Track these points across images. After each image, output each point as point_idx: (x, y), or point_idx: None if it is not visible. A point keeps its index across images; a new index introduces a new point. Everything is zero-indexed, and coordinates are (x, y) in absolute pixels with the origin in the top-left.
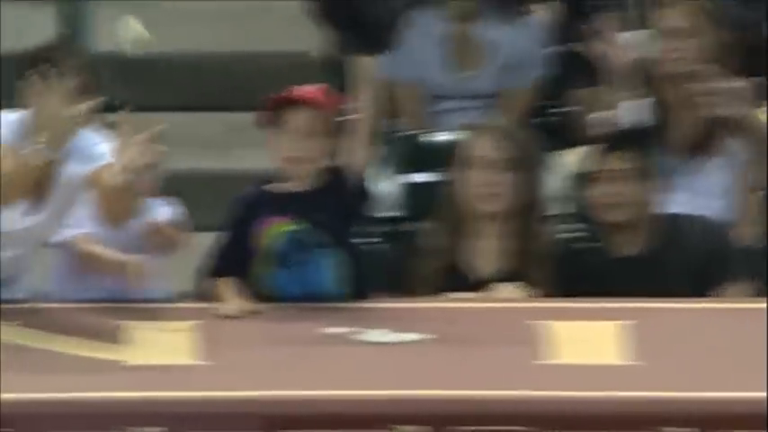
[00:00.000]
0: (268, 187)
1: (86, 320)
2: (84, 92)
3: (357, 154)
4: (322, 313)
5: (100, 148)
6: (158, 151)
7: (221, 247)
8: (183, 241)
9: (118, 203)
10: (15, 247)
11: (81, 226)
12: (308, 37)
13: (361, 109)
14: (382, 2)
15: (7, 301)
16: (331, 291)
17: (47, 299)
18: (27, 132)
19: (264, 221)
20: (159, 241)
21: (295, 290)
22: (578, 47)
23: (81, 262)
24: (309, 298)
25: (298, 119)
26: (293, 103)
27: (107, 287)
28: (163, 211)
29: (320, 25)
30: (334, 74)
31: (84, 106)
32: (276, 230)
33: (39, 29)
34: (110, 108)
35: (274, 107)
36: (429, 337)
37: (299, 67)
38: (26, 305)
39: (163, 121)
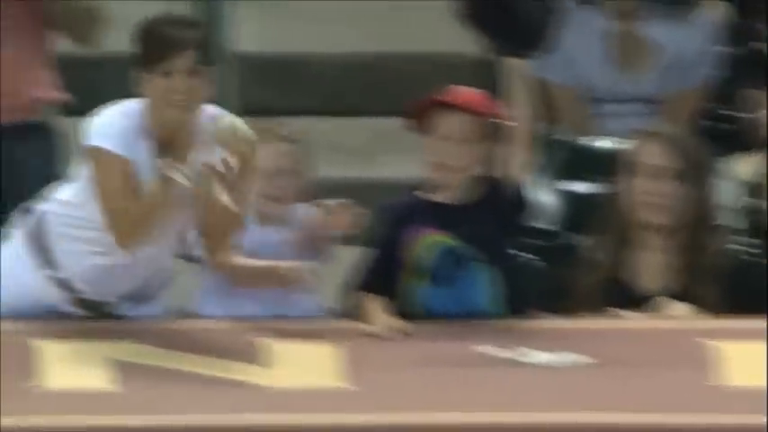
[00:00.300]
0: (419, 196)
1: (229, 339)
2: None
3: (514, 162)
4: (476, 332)
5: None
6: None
7: (368, 260)
8: (331, 251)
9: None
10: (149, 263)
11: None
12: (458, 37)
13: (518, 114)
14: (534, 1)
15: (142, 319)
16: (485, 308)
17: (187, 316)
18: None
19: (415, 233)
20: (311, 247)
21: (447, 307)
22: (753, 46)
23: (229, 276)
24: (462, 315)
25: (448, 123)
26: (443, 106)
27: (255, 303)
28: (312, 216)
29: (470, 25)
30: (487, 76)
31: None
32: (428, 243)
33: None
34: (248, 112)
35: (424, 111)
36: (590, 357)
37: (449, 70)
38: (164, 323)
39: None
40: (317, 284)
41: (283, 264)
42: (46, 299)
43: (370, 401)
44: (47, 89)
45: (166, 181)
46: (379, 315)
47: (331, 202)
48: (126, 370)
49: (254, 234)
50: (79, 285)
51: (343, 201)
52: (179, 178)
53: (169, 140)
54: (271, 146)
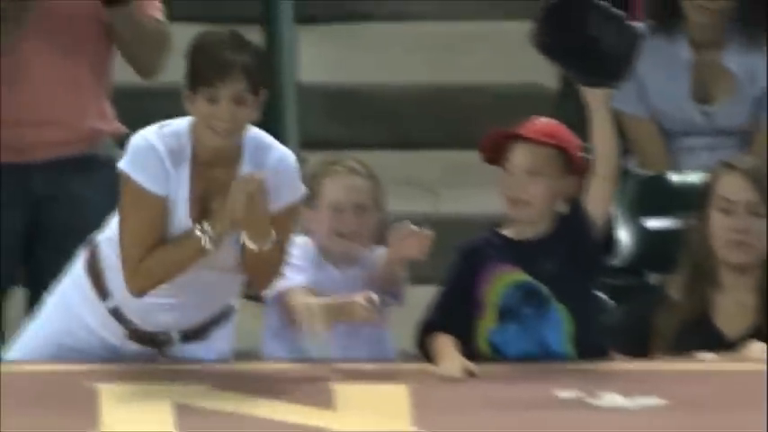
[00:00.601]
0: (496, 232)
1: (293, 381)
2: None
3: (596, 197)
4: (552, 374)
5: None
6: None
7: (442, 298)
8: (403, 293)
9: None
10: (204, 298)
11: (294, 277)
12: (530, 67)
13: (600, 146)
14: (615, 28)
15: (204, 360)
16: (559, 348)
17: (251, 358)
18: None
19: (491, 271)
20: (384, 289)
21: (522, 347)
22: None
23: (293, 317)
24: (535, 356)
25: (521, 156)
26: (516, 138)
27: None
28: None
29: (546, 54)
30: (566, 107)
31: None
32: (504, 281)
33: None
34: (310, 144)
35: (498, 144)
36: (665, 399)
37: (520, 101)
38: (227, 365)
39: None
40: (387, 324)
41: (351, 299)
42: (101, 332)
43: None
44: (107, 121)
45: (196, 245)
46: (450, 355)
47: (403, 226)
48: (188, 413)
49: (323, 273)
50: (131, 317)
51: (414, 227)
52: (208, 244)
53: (212, 161)
54: (341, 180)
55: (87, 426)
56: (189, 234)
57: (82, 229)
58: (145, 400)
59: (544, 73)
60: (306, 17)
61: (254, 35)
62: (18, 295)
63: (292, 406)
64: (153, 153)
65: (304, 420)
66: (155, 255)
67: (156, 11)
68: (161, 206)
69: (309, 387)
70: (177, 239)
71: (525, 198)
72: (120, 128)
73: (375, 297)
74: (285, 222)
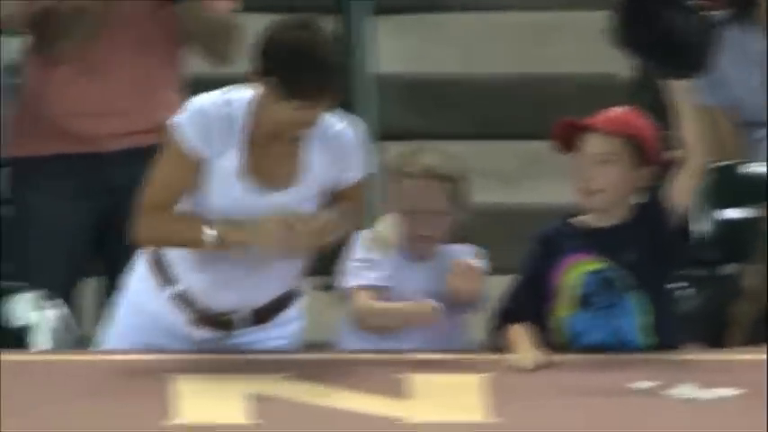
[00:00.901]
0: (571, 222)
1: (370, 372)
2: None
3: (681, 189)
4: (626, 364)
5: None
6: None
7: (516, 288)
8: (483, 292)
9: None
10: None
11: (360, 274)
12: (607, 58)
13: (687, 139)
14: (692, 20)
15: (274, 351)
16: (637, 339)
17: (327, 348)
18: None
19: (567, 259)
20: (461, 288)
21: (597, 336)
22: None
23: (360, 321)
24: (611, 345)
25: (592, 145)
26: (589, 127)
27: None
28: (465, 255)
29: (625, 48)
30: (641, 98)
31: None
32: (580, 269)
33: None
34: (388, 136)
35: (571, 133)
36: (746, 392)
37: (597, 91)
38: (304, 356)
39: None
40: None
41: (424, 304)
42: (169, 320)
43: None
44: (177, 112)
45: (198, 237)
46: (523, 346)
47: (460, 263)
48: (263, 403)
49: (399, 268)
50: (198, 298)
51: (471, 263)
52: (211, 243)
53: (272, 134)
54: (417, 184)
55: (163, 416)
56: (199, 225)
57: None
58: (220, 391)
59: (624, 63)
60: (384, 7)
61: (332, 25)
62: (93, 285)
63: (367, 396)
64: (203, 115)
65: (379, 410)
66: (165, 218)
67: (227, 1)
68: (195, 166)
69: (384, 377)
70: (191, 220)
71: (596, 187)
72: None
73: (437, 306)
74: (351, 198)
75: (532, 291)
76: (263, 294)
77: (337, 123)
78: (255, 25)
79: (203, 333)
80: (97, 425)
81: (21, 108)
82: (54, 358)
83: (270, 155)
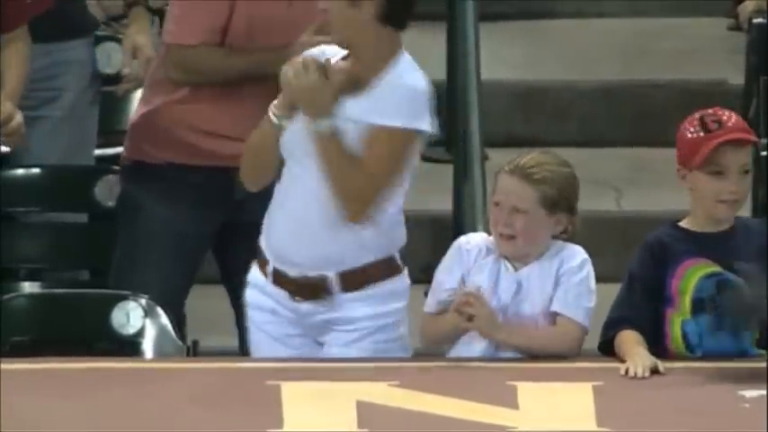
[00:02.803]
0: (682, 226)
1: (477, 380)
2: None
3: None
4: (740, 372)
5: None
6: None
7: (627, 294)
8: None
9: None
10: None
11: (443, 279)
12: (722, 63)
13: None
14: None
15: (382, 359)
16: (750, 341)
17: (433, 356)
18: None
19: (682, 264)
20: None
21: (710, 341)
22: None
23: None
24: (725, 350)
25: (737, 156)
26: (727, 138)
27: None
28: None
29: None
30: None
31: None
32: (697, 273)
33: (430, 52)
34: (493, 142)
35: (703, 140)
36: None
37: (712, 97)
38: (409, 363)
39: None
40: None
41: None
42: (279, 303)
43: None
44: None
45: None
46: (637, 353)
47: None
48: (372, 411)
49: (495, 270)
50: (287, 266)
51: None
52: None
53: None
54: (504, 180)
55: (270, 424)
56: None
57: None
58: (328, 398)
59: (730, 70)
60: (489, 14)
61: (440, 32)
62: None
63: (475, 404)
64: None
65: (487, 419)
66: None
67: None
68: None
69: (492, 385)
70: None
71: (739, 197)
72: None
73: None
74: (375, 142)
75: (646, 296)
76: (345, 255)
77: (400, 68)
78: None
79: (307, 306)
80: None
81: (146, 116)
82: (160, 366)
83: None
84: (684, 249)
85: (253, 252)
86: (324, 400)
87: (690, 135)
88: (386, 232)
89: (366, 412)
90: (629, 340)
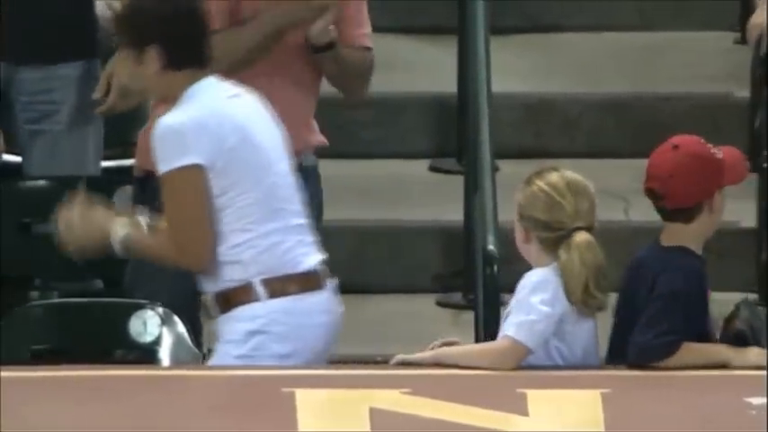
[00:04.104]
0: (696, 252)
1: (486, 387)
2: None
3: None
4: (746, 380)
5: None
6: None
7: (684, 307)
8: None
9: None
10: None
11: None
12: (728, 76)
13: None
14: None
15: (395, 366)
16: None
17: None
18: None
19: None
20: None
21: None
22: None
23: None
24: None
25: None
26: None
27: None
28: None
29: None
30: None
31: None
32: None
33: (442, 64)
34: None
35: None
36: None
37: (718, 110)
38: (421, 370)
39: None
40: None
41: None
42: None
43: None
44: (314, 134)
45: None
46: (733, 349)
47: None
48: (384, 418)
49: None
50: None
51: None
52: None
53: None
54: (525, 189)
55: (285, 429)
56: None
57: None
58: (341, 405)
59: (736, 83)
60: (500, 28)
61: (452, 45)
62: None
63: (486, 411)
64: None
65: (498, 426)
66: None
67: (365, 38)
68: None
69: (502, 393)
70: None
71: None
72: (323, 140)
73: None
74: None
75: (694, 314)
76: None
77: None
78: (379, 45)
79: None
80: None
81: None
82: (176, 373)
83: None
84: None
85: None
86: (337, 407)
87: (715, 155)
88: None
89: (379, 419)
90: (701, 346)
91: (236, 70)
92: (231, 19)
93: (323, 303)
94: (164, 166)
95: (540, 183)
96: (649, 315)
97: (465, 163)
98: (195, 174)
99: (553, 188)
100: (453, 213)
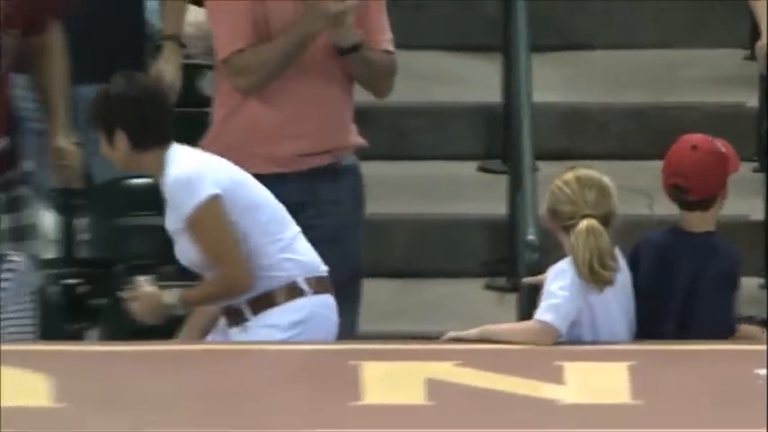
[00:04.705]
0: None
1: (531, 361)
2: None
3: None
4: (757, 354)
5: None
6: None
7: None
8: None
9: None
10: None
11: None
12: (740, 89)
13: None
14: None
15: (448, 340)
16: None
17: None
18: None
19: None
20: None
21: None
22: None
23: None
24: None
25: None
26: None
27: None
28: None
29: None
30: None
31: None
32: None
33: (489, 78)
34: (543, 156)
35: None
36: None
37: (731, 118)
38: (470, 345)
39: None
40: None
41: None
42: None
43: (655, 416)
44: (351, 135)
45: None
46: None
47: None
48: (439, 387)
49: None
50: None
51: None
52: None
53: None
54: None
55: (352, 397)
56: None
57: (331, 230)
58: (401, 376)
59: (747, 94)
60: (540, 46)
61: (497, 61)
62: None
63: (528, 381)
64: None
65: (538, 393)
66: None
67: (387, 43)
68: None
69: (542, 365)
70: None
71: None
72: (362, 141)
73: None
74: (194, 238)
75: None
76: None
77: (168, 175)
78: (426, 62)
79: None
80: (298, 405)
81: (216, 134)
82: (260, 348)
83: None
84: None
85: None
86: (397, 378)
87: (721, 149)
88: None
89: (433, 387)
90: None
91: (268, 80)
92: (259, 30)
93: (334, 305)
94: (186, 210)
95: (557, 181)
96: (716, 295)
97: (509, 164)
98: (216, 203)
99: (565, 183)
100: (498, 208)
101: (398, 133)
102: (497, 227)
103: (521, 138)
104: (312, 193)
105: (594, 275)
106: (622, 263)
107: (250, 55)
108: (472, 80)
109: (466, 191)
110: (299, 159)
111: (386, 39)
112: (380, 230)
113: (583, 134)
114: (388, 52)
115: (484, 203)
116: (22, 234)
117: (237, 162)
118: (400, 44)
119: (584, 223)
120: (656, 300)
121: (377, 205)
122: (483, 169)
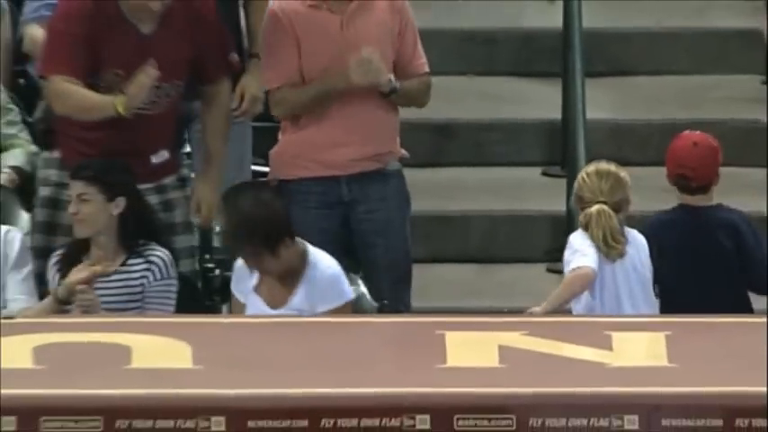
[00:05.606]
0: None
1: (584, 330)
2: None
3: None
4: None
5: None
6: None
7: None
8: None
9: None
10: None
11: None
12: (756, 108)
13: None
14: None
15: (517, 311)
16: None
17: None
18: None
19: None
20: None
21: None
22: None
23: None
24: None
25: None
26: None
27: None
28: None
29: None
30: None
31: None
32: None
33: (550, 99)
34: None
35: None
36: None
37: (748, 132)
38: (535, 317)
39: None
40: None
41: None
42: None
43: (685, 377)
44: (395, 145)
45: None
46: None
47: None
48: (509, 352)
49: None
50: None
51: None
52: None
53: None
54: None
55: (438, 361)
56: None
57: (379, 224)
58: (478, 343)
59: (764, 112)
60: (592, 72)
61: (557, 85)
62: None
63: (582, 347)
64: None
65: (590, 357)
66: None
67: (422, 66)
68: None
69: (593, 334)
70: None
71: None
72: (405, 153)
73: None
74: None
75: None
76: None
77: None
78: (498, 86)
79: None
80: (394, 367)
81: (284, 145)
82: (359, 320)
83: None
84: None
85: (365, 249)
86: (475, 345)
87: (714, 142)
88: None
89: (505, 352)
90: None
91: (302, 113)
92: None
93: None
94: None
95: (582, 173)
96: (756, 234)
97: (567, 170)
98: None
99: (587, 175)
100: (558, 205)
101: (476, 144)
102: (557, 221)
103: (576, 148)
104: (363, 192)
105: (608, 247)
106: (635, 248)
107: (286, 92)
108: (536, 101)
109: (531, 192)
110: (349, 164)
111: (421, 62)
112: (462, 224)
113: (628, 145)
114: (423, 75)
115: (546, 202)
116: (173, 230)
117: (301, 167)
118: (477, 71)
119: (595, 207)
120: (675, 270)
121: (459, 203)
122: (545, 174)
